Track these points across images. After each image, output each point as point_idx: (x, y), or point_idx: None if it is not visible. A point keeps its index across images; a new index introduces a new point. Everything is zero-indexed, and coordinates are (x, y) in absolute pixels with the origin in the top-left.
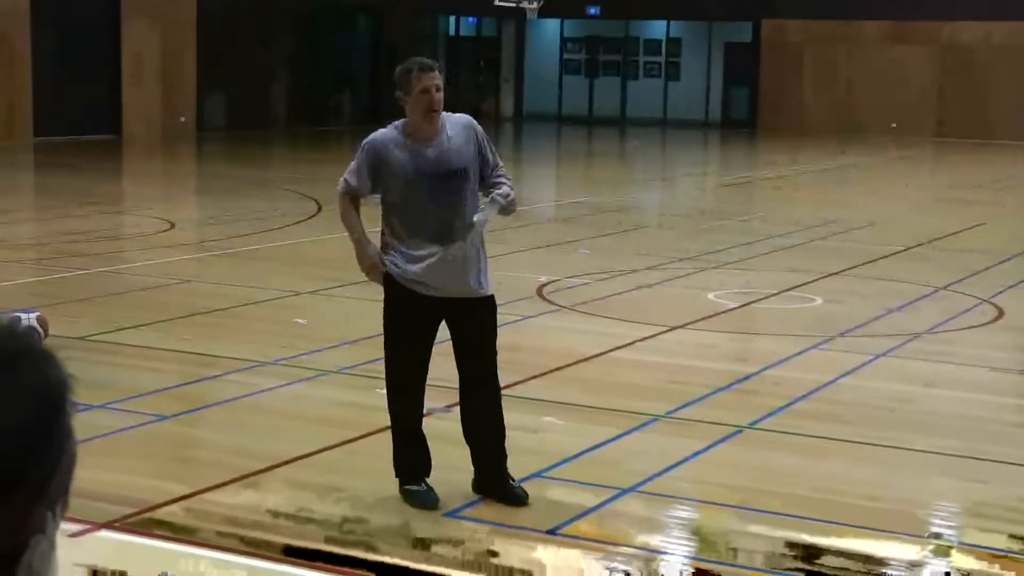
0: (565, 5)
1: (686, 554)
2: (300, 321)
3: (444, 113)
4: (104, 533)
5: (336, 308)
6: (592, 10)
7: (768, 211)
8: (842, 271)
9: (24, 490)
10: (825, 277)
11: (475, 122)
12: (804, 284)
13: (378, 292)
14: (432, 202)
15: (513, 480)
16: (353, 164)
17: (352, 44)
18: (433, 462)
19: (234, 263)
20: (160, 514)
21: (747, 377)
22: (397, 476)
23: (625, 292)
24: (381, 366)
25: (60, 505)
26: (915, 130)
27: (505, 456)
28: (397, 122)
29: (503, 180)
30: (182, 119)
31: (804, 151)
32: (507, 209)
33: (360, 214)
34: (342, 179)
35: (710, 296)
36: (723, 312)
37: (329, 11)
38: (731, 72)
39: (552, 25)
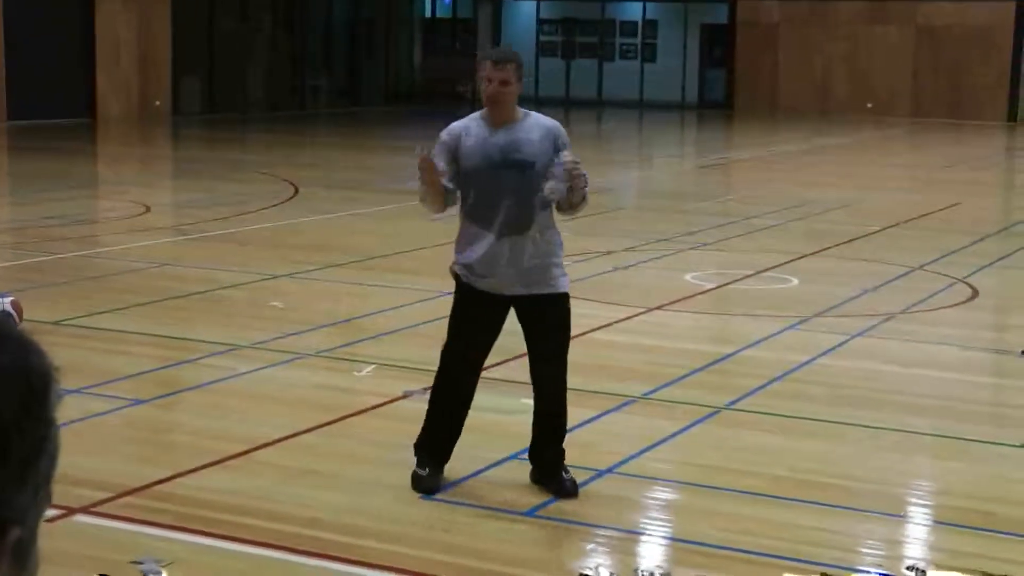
0: None
1: (664, 535)
2: (276, 304)
3: (533, 113)
4: (81, 518)
5: (312, 291)
6: None
7: (745, 192)
8: (818, 251)
9: (5, 478)
10: (801, 258)
11: (562, 129)
12: (780, 265)
13: (356, 276)
14: (492, 190)
15: (566, 472)
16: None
17: (329, 26)
18: (410, 444)
19: (210, 247)
20: (137, 498)
21: (724, 358)
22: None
23: (602, 273)
24: (358, 348)
25: (43, 494)
26: (890, 111)
27: (562, 450)
28: (479, 112)
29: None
30: (157, 102)
31: (780, 132)
32: (574, 182)
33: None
34: None
35: (687, 277)
36: (700, 293)
37: None
38: (707, 54)
39: (528, 7)
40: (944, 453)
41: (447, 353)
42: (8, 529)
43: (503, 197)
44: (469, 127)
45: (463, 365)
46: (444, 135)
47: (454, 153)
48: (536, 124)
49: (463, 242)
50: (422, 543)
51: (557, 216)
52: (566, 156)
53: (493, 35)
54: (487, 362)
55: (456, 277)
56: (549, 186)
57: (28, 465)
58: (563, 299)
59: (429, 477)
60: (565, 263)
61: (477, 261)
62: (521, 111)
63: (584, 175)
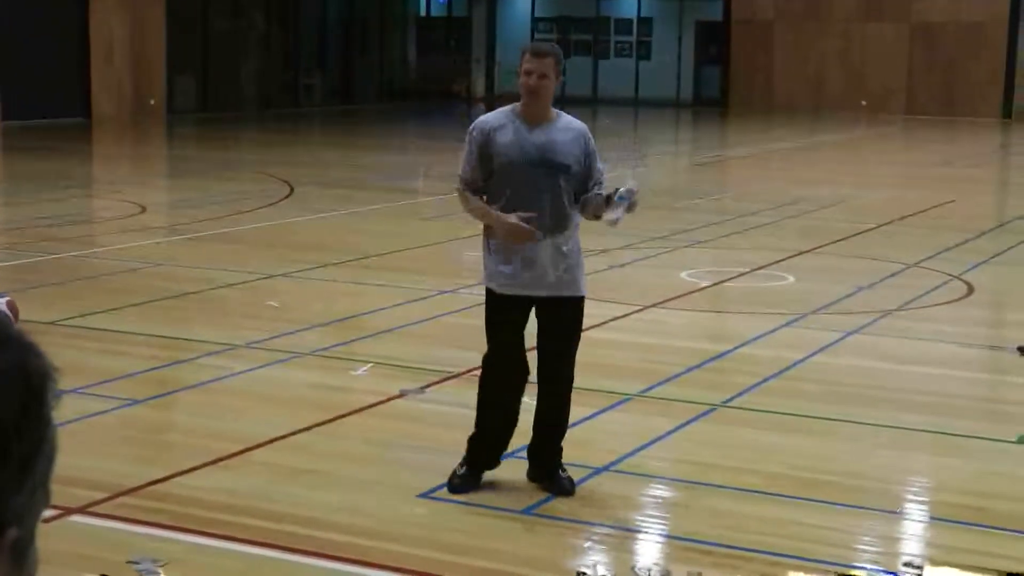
0: None
1: (661, 532)
2: (272, 304)
3: (564, 114)
4: (77, 518)
5: (308, 290)
6: None
7: (740, 190)
8: (814, 249)
9: (3, 480)
10: (797, 255)
11: (588, 131)
12: (776, 262)
13: (351, 275)
14: (529, 190)
15: (563, 471)
16: (463, 155)
17: (323, 25)
18: (407, 443)
19: (206, 246)
20: (134, 498)
21: (720, 355)
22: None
23: (598, 272)
24: (354, 347)
25: (40, 494)
26: (885, 107)
27: (560, 448)
28: (510, 106)
29: (602, 191)
30: (151, 101)
31: (775, 129)
32: (632, 207)
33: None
34: (457, 177)
35: (683, 275)
36: (696, 291)
37: None
38: (702, 51)
39: (523, 5)
40: (940, 449)
41: (489, 357)
42: (6, 530)
43: (541, 197)
44: (502, 122)
45: (507, 364)
46: (474, 131)
47: (484, 148)
48: (568, 126)
49: (495, 243)
50: (419, 542)
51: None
52: (632, 185)
53: (488, 33)
54: (480, 362)
55: (489, 293)
56: (610, 217)
57: (26, 466)
58: (581, 301)
59: (460, 477)
60: None
61: (511, 264)
62: (554, 110)
63: (636, 198)
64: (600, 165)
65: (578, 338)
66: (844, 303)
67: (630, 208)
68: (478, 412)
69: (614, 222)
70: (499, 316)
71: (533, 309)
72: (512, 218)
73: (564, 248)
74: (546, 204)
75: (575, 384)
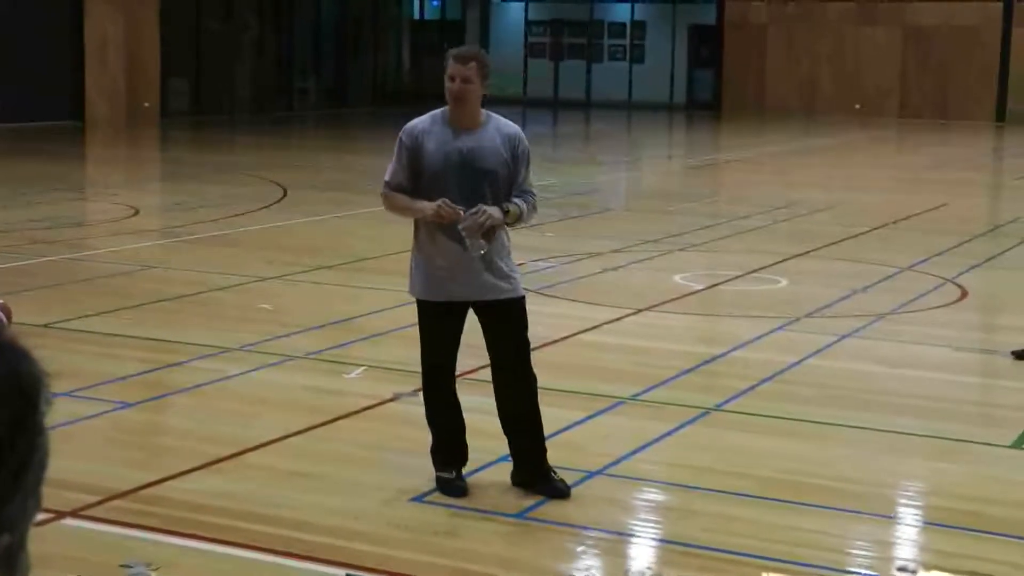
0: None
1: (654, 537)
2: (266, 307)
3: (495, 116)
4: (70, 521)
5: (302, 293)
6: None
7: (733, 193)
8: (807, 252)
9: None
10: (790, 258)
11: (522, 135)
12: (769, 266)
13: (345, 278)
14: (456, 196)
15: (554, 472)
16: (391, 163)
17: (317, 28)
18: (400, 446)
19: (199, 249)
20: (127, 502)
21: (713, 359)
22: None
23: (591, 275)
24: (347, 350)
25: (32, 500)
26: (878, 111)
27: (544, 448)
28: (437, 110)
29: (518, 199)
30: (146, 104)
31: (768, 132)
32: (487, 231)
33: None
34: (383, 182)
35: (676, 278)
36: (689, 294)
37: None
38: (695, 54)
39: (516, 8)
40: (934, 454)
41: (424, 366)
42: None
43: (467, 203)
44: (429, 128)
45: (440, 374)
46: (404, 136)
47: (413, 153)
48: (498, 130)
49: (425, 251)
50: (412, 545)
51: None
52: (462, 222)
53: (481, 37)
54: (474, 364)
55: (420, 303)
56: (470, 244)
57: (19, 473)
58: (522, 302)
59: (458, 479)
60: (552, 263)
61: (443, 270)
62: (483, 113)
63: (490, 216)
64: (529, 174)
65: (526, 337)
66: (838, 307)
67: (488, 232)
68: (430, 422)
69: (475, 248)
70: (434, 324)
71: (473, 315)
72: (427, 205)
73: (496, 252)
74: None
75: (568, 388)
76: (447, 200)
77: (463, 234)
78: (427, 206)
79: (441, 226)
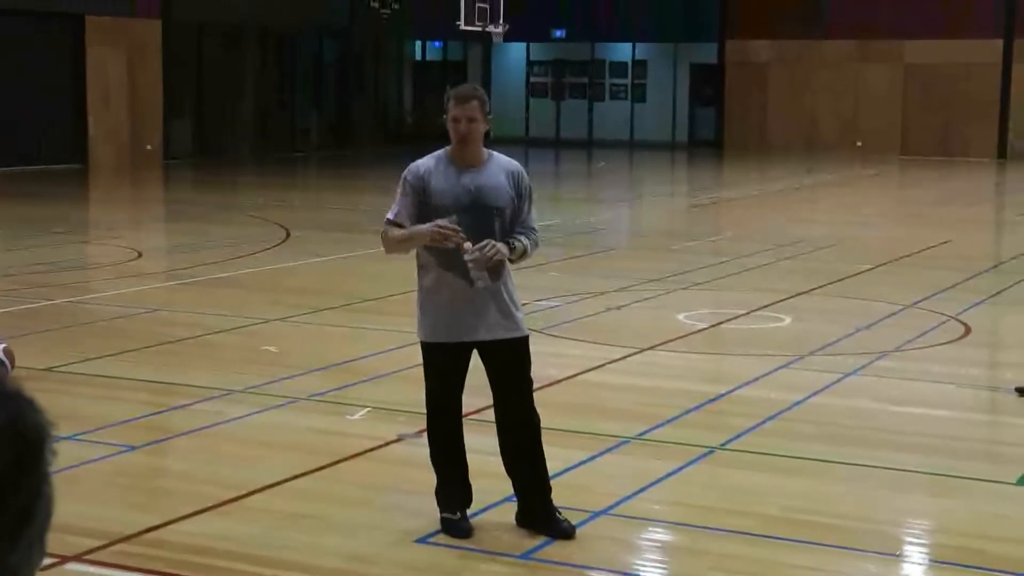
0: (531, 28)
1: None
2: (270, 349)
3: (495, 154)
4: (73, 566)
5: (306, 335)
6: (558, 33)
7: (736, 231)
8: (810, 290)
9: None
10: (794, 296)
11: (523, 171)
12: (773, 304)
13: (349, 319)
14: (467, 235)
15: (559, 513)
16: (396, 200)
17: (319, 68)
18: (404, 487)
19: (202, 291)
20: (130, 546)
21: (717, 397)
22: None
23: (595, 314)
24: (351, 391)
25: (37, 548)
26: (880, 148)
27: (549, 488)
28: (439, 151)
29: (522, 236)
30: (148, 147)
31: (770, 170)
32: (489, 262)
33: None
34: (385, 219)
35: (680, 317)
36: (693, 333)
37: (296, 36)
38: (697, 93)
39: (518, 49)
40: (938, 491)
41: (429, 407)
42: None
43: (476, 242)
44: (433, 167)
45: (445, 416)
46: (409, 176)
47: (420, 194)
48: (500, 167)
49: (430, 292)
50: None
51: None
52: (469, 255)
53: (483, 77)
54: (479, 404)
55: (426, 345)
56: (475, 276)
57: (23, 521)
58: (526, 342)
59: (463, 520)
60: (558, 304)
61: (449, 310)
62: (486, 151)
63: (498, 251)
64: (533, 210)
65: (529, 376)
66: (841, 344)
67: (484, 263)
68: (435, 463)
69: (478, 278)
70: (439, 366)
71: (477, 356)
72: (427, 229)
73: (502, 292)
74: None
75: (572, 427)
76: (441, 222)
77: (470, 266)
78: (424, 228)
79: (446, 264)
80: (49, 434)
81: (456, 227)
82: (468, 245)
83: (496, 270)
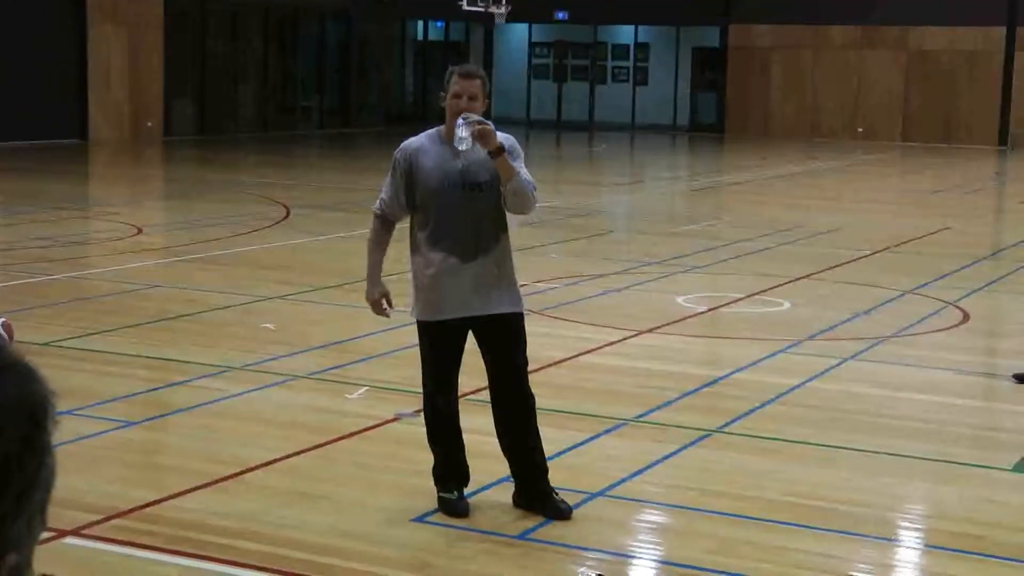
0: (533, 9)
1: (656, 558)
2: (268, 326)
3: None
4: (71, 540)
5: (304, 313)
6: (560, 15)
7: (736, 215)
8: (810, 275)
9: (3, 508)
10: (793, 281)
11: (517, 144)
12: (772, 288)
13: (348, 298)
14: (454, 215)
15: (556, 494)
16: (387, 179)
17: (321, 48)
18: (401, 467)
19: (202, 268)
20: (127, 521)
21: (716, 381)
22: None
23: (594, 296)
24: (349, 370)
25: (38, 521)
26: (881, 135)
27: (546, 468)
28: (433, 129)
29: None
30: (149, 124)
31: (771, 155)
32: (481, 133)
33: (388, 244)
34: (379, 199)
35: (679, 300)
36: (692, 316)
37: (298, 15)
38: (699, 77)
39: (520, 30)
40: (936, 477)
41: (426, 387)
42: (4, 556)
43: (465, 221)
44: (425, 146)
45: (442, 395)
46: (398, 155)
47: (409, 174)
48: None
49: (423, 270)
50: (412, 566)
51: (514, 218)
52: (468, 119)
53: (485, 58)
54: (476, 384)
55: (421, 323)
56: (458, 134)
57: (26, 493)
58: (521, 318)
59: (459, 500)
60: (555, 285)
61: (442, 287)
62: None
63: (488, 125)
64: (523, 168)
65: (525, 355)
66: (840, 329)
67: (477, 134)
68: (432, 442)
69: (459, 140)
70: (435, 345)
71: (472, 339)
72: (376, 298)
73: (495, 268)
74: (470, 228)
75: (570, 409)
76: (387, 298)
77: (460, 120)
78: (370, 292)
79: (437, 242)
80: (52, 404)
81: (387, 315)
82: (389, 315)
83: (485, 139)
